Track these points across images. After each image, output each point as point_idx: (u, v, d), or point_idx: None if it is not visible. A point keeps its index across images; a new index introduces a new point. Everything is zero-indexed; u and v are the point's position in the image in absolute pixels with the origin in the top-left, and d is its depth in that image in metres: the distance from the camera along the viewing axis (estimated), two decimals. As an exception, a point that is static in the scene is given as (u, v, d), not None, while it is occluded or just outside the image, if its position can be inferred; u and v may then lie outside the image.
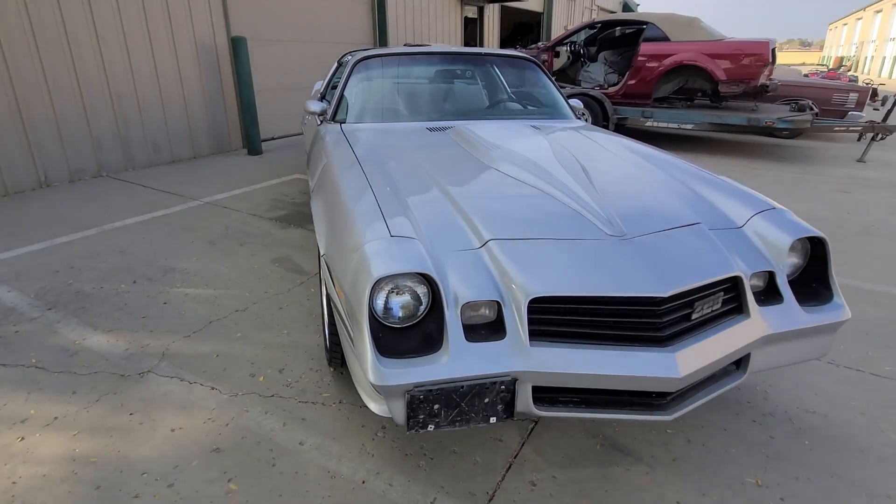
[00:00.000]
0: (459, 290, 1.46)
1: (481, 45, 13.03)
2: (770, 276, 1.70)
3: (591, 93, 7.37)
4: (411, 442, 1.82)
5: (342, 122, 2.90)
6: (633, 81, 7.46)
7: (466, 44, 12.47)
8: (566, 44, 8.41)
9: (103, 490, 1.61)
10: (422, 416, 1.38)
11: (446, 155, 2.27)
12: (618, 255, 1.52)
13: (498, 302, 1.45)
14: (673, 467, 1.73)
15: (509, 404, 1.42)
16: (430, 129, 2.65)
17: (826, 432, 1.90)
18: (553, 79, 3.43)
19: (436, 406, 1.38)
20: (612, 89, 7.70)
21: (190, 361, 2.26)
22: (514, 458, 1.76)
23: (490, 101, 3.15)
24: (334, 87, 4.00)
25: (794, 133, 8.42)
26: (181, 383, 2.12)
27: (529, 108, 3.21)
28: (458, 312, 1.43)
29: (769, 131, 7.76)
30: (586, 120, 3.30)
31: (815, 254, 1.80)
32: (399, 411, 1.40)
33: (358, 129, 2.75)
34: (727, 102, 7.82)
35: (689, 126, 7.11)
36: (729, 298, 1.60)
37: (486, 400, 1.41)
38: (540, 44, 8.50)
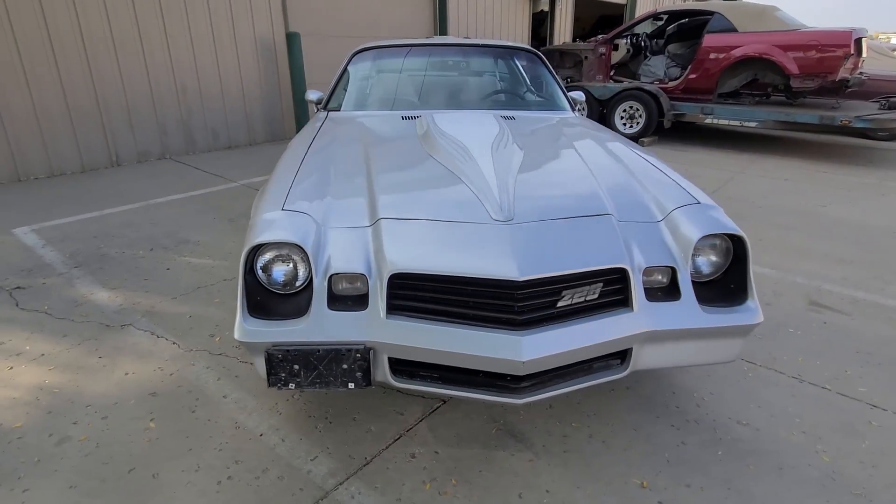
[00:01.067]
0: (333, 262, 1.55)
1: (551, 41, 12.79)
2: (673, 273, 1.62)
3: (645, 87, 7.03)
4: (319, 406, 1.94)
5: (331, 109, 3.07)
6: (694, 75, 7.01)
7: (536, 39, 12.29)
8: (626, 36, 8.06)
9: (53, 415, 1.89)
10: (282, 374, 1.50)
11: (396, 141, 2.35)
12: (492, 238, 1.54)
13: (364, 275, 1.53)
14: (560, 458, 1.71)
15: (366, 372, 1.50)
16: (404, 118, 2.73)
17: (748, 446, 1.77)
18: (552, 70, 3.36)
19: (295, 366, 1.49)
20: (671, 84, 7.29)
21: (166, 319, 2.54)
22: (407, 431, 1.82)
23: (479, 92, 3.16)
24: None
25: (894, 135, 7.46)
26: (150, 336, 2.39)
27: (520, 98, 3.19)
28: (326, 282, 1.53)
29: (862, 132, 6.95)
30: (581, 112, 3.19)
31: (737, 254, 1.68)
32: (261, 367, 1.52)
33: (338, 116, 2.90)
34: (804, 99, 7.12)
35: (753, 124, 6.57)
36: (614, 290, 1.56)
37: (344, 366, 1.49)
38: (599, 36, 8.21)
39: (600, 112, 7.53)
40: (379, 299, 1.49)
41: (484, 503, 1.54)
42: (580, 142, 2.37)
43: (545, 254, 1.50)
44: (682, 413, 1.92)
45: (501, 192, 1.74)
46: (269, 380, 1.50)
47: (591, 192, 1.83)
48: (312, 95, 3.25)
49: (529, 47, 3.42)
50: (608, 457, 1.72)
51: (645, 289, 1.62)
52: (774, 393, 2.03)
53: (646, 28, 8.15)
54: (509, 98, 3.14)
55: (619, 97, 7.22)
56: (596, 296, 1.53)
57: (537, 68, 3.35)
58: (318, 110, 3.24)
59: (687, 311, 1.56)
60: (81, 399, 1.97)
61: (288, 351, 1.47)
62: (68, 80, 5.08)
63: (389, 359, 1.51)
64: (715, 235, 1.65)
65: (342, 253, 1.58)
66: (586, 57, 8.13)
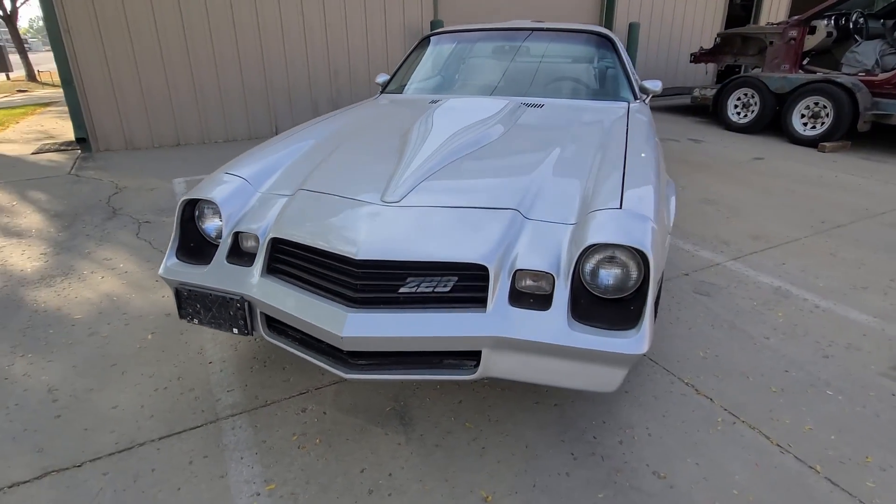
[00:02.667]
0: (242, 222, 1.76)
1: (757, 21, 11.01)
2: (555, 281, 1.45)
3: (838, 79, 5.68)
4: (267, 352, 2.20)
5: (385, 91, 3.25)
6: (915, 66, 5.44)
7: (733, 23, 10.71)
8: (829, 15, 6.57)
9: (101, 315, 2.49)
10: (189, 310, 1.77)
11: (393, 122, 2.43)
12: (366, 218, 1.57)
13: (257, 236, 1.70)
14: (426, 450, 1.68)
15: (247, 321, 1.68)
16: (431, 102, 2.79)
17: (641, 500, 1.50)
18: (622, 55, 3.02)
19: (197, 305, 1.75)
20: (883, 75, 5.77)
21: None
22: (316, 389, 1.97)
23: (527, 77, 2.97)
24: None
25: None
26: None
27: (570, 85, 2.92)
28: (230, 238, 1.74)
29: None
30: (643, 102, 2.85)
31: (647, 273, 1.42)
32: (175, 301, 1.81)
33: (382, 98, 3.07)
34: None
35: None
36: (471, 287, 1.46)
37: (230, 312, 1.70)
38: (793, 18, 6.84)
39: (775, 109, 6.35)
40: (261, 259, 1.66)
41: (328, 466, 1.62)
42: (580, 134, 2.16)
43: (402, 238, 1.48)
44: (595, 445, 1.70)
45: (410, 176, 1.74)
46: (179, 313, 1.79)
47: (515, 185, 1.71)
48: (380, 78, 3.48)
49: (601, 30, 3.13)
50: (474, 463, 1.63)
51: (522, 293, 1.48)
52: (731, 457, 1.65)
53: (853, 4, 6.52)
54: (556, 84, 2.93)
55: (801, 91, 5.98)
56: (447, 289, 1.46)
57: (604, 53, 3.05)
58: (380, 93, 3.47)
59: (550, 325, 1.39)
60: (124, 308, 2.56)
61: (190, 291, 1.73)
62: (245, 65, 6.21)
63: (262, 313, 1.67)
64: (614, 246, 1.42)
65: (255, 215, 1.77)
66: (771, 42, 6.88)
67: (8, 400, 1.92)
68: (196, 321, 1.78)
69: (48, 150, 6.00)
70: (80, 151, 5.86)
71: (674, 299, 2.60)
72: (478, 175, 1.79)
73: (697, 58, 8.29)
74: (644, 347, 1.33)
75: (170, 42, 5.84)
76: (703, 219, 3.73)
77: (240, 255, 1.77)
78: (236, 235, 1.76)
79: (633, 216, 1.48)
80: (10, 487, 1.55)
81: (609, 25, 8.81)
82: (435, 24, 6.80)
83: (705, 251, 3.18)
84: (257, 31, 6.17)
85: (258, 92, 6.37)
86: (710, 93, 7.29)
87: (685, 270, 2.92)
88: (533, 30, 3.22)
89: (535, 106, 2.59)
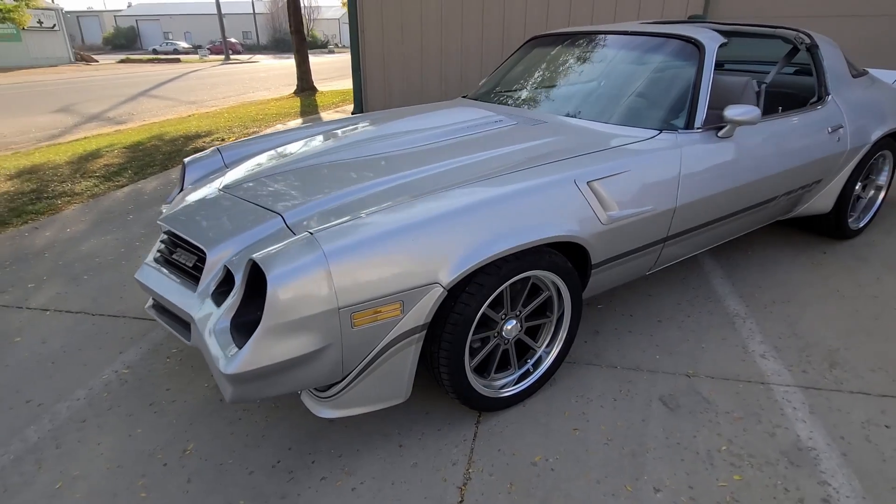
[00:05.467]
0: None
1: None
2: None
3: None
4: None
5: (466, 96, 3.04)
6: None
7: None
8: None
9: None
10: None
11: (379, 125, 2.46)
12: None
13: None
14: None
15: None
16: (466, 107, 2.66)
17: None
18: (704, 73, 2.19)
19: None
20: None
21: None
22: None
23: (566, 92, 2.55)
24: None
25: None
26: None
27: (607, 105, 2.34)
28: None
29: None
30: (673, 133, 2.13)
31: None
32: None
33: (458, 102, 2.87)
34: None
35: None
36: (198, 268, 1.66)
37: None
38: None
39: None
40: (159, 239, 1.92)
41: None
42: (505, 155, 1.98)
43: (191, 221, 1.78)
44: (306, 446, 1.65)
45: (262, 175, 1.99)
46: None
47: (313, 193, 1.78)
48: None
49: (691, 37, 2.32)
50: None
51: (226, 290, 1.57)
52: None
53: None
54: (590, 101, 2.42)
55: None
56: (191, 265, 1.69)
57: (679, 71, 2.29)
58: None
59: (213, 321, 1.48)
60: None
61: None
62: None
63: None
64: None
65: (188, 199, 1.99)
66: None
67: None
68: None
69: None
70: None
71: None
72: (315, 179, 1.89)
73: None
74: (234, 368, 1.31)
75: (430, 42, 6.87)
76: None
77: None
78: None
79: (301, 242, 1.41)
80: None
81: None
82: (694, 18, 5.83)
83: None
84: (501, 30, 6.54)
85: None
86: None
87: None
88: (612, 33, 2.67)
89: (531, 121, 2.34)
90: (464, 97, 3.05)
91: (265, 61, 29.76)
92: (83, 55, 32.01)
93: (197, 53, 36.94)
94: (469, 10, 6.71)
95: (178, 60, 30.94)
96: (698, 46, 2.29)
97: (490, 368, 1.81)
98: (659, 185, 1.94)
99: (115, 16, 54.48)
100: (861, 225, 3.19)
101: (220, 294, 1.54)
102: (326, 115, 8.42)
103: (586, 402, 1.87)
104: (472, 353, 1.74)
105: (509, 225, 1.58)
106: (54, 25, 29.74)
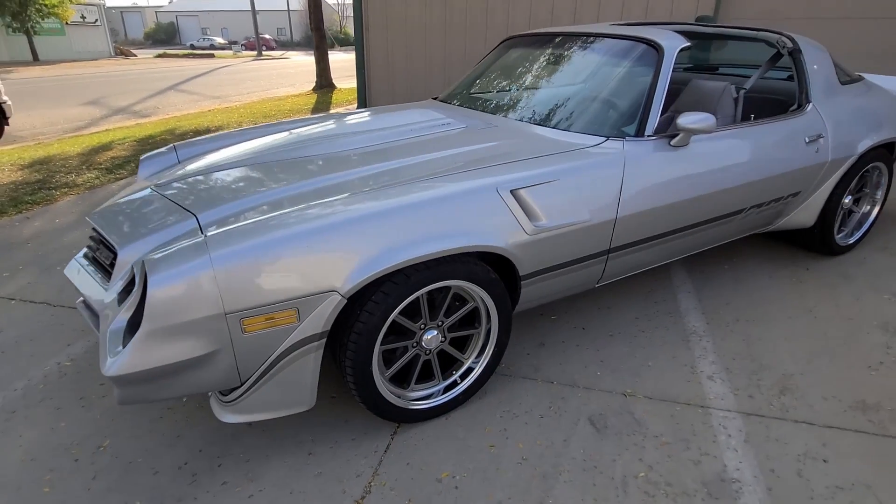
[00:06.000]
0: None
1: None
2: None
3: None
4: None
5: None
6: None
7: None
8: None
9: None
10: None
11: (338, 124, 2.49)
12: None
13: None
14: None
15: None
16: (426, 109, 2.65)
17: None
18: (660, 78, 2.10)
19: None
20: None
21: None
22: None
23: (526, 96, 2.50)
24: None
25: None
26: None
27: (561, 110, 2.28)
28: None
29: None
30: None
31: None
32: None
33: (425, 104, 2.86)
34: None
35: None
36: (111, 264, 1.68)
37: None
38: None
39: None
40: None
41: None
42: (439, 159, 1.94)
43: (114, 219, 1.79)
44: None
45: (198, 174, 2.00)
46: None
47: (239, 193, 1.76)
48: None
49: (651, 39, 2.24)
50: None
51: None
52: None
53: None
54: (544, 106, 2.35)
55: None
56: (108, 262, 1.70)
57: (634, 73, 2.23)
58: None
59: (107, 322, 1.49)
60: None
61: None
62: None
63: None
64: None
65: (122, 196, 1.99)
66: None
67: None
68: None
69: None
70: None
71: None
72: (235, 182, 1.87)
73: None
74: (108, 371, 1.32)
75: (434, 40, 6.88)
76: None
77: None
78: None
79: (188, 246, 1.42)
80: None
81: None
82: (702, 20, 5.76)
83: None
84: (504, 31, 6.51)
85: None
86: None
87: None
88: (577, 35, 2.58)
89: (482, 125, 2.30)
90: (434, 98, 3.01)
91: (296, 58, 30.26)
92: (122, 49, 33.22)
93: (231, 49, 37.90)
94: (473, 10, 6.67)
95: (212, 56, 31.77)
96: (657, 49, 2.18)
97: (410, 379, 1.77)
98: (596, 194, 1.86)
99: (156, 11, 56.31)
100: (852, 241, 2.99)
101: (125, 293, 1.54)
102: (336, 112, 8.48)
103: (511, 418, 1.81)
104: (389, 363, 1.71)
105: (422, 232, 1.54)
106: (96, 20, 30.95)
